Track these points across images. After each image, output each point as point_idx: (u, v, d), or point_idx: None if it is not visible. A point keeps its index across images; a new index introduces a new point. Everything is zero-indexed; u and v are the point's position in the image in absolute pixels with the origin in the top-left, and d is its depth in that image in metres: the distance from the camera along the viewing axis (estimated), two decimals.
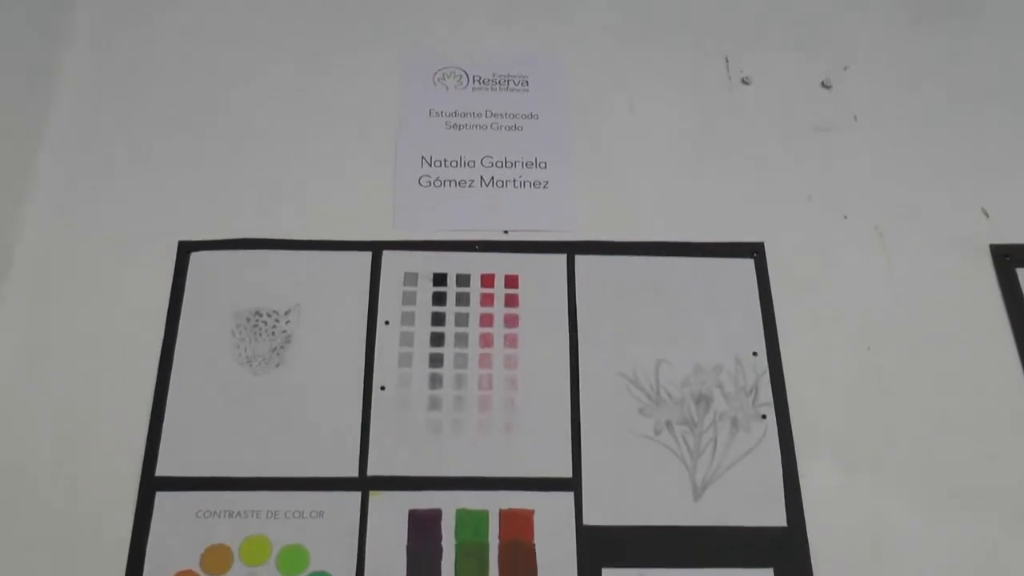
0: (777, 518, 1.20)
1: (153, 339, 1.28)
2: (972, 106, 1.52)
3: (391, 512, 1.18)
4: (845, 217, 1.42)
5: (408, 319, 1.30)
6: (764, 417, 1.26)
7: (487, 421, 1.24)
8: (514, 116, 1.48)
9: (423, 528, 1.18)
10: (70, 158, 1.41)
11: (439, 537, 1.17)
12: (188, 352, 1.27)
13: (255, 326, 1.29)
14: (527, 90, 1.51)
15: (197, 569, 1.16)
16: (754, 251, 1.37)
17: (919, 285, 1.37)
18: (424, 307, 1.31)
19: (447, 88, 1.50)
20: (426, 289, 1.32)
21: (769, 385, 1.28)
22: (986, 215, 1.42)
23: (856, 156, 1.48)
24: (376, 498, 1.19)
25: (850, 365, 1.30)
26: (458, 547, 1.17)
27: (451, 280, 1.33)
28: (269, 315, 1.30)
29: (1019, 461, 1.25)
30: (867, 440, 1.25)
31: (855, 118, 1.51)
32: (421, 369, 1.27)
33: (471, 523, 1.18)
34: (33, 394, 1.25)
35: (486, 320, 1.30)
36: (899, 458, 1.25)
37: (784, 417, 1.26)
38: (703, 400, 1.27)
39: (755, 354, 1.30)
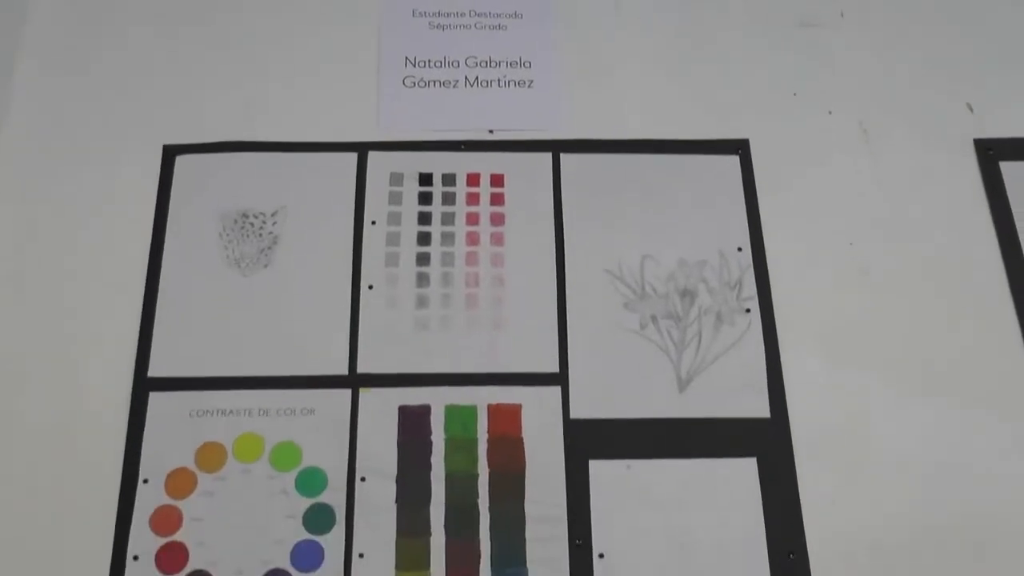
0: (760, 409, 1.21)
1: (141, 243, 1.27)
2: (958, 1, 1.49)
3: (381, 408, 1.19)
4: (830, 113, 1.40)
5: (394, 219, 1.29)
6: (748, 311, 1.26)
7: (475, 318, 1.24)
8: (498, 15, 1.45)
9: (413, 424, 1.19)
10: (51, 63, 1.39)
11: (429, 432, 1.18)
12: (176, 255, 1.27)
13: (242, 228, 1.28)
14: None
15: (192, 467, 1.16)
16: (739, 148, 1.36)
17: (903, 180, 1.36)
18: (410, 207, 1.30)
19: None
20: (412, 189, 1.31)
21: (753, 279, 1.28)
22: (970, 110, 1.41)
23: (842, 52, 1.45)
24: (366, 395, 1.20)
25: (833, 259, 1.30)
26: (447, 441, 1.18)
27: (437, 180, 1.32)
28: (256, 217, 1.29)
29: (996, 350, 1.26)
30: (849, 333, 1.26)
31: (841, 14, 1.48)
32: (408, 268, 1.27)
33: (460, 418, 1.19)
34: (24, 300, 1.24)
35: (472, 219, 1.30)
36: (880, 350, 1.25)
37: (768, 311, 1.26)
38: (688, 295, 1.26)
39: (739, 249, 1.29)
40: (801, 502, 1.17)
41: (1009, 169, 1.35)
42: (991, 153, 1.37)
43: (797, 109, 1.41)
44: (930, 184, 1.36)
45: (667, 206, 1.31)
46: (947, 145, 1.38)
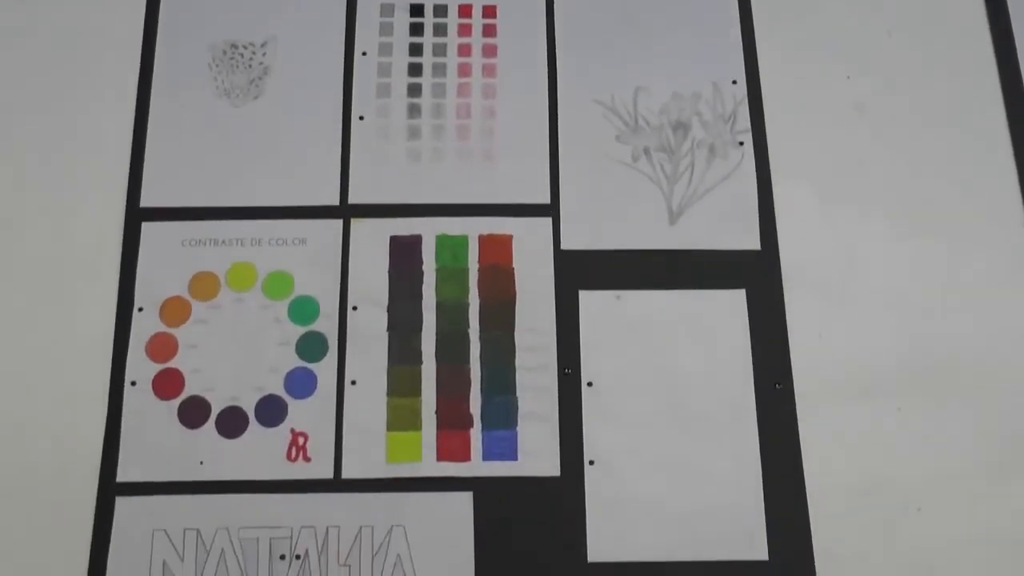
0: (751, 241, 1.18)
1: (130, 74, 1.24)
2: None
3: (372, 238, 1.17)
4: None
5: (385, 50, 1.25)
6: (741, 144, 1.22)
7: (466, 149, 1.21)
8: None
9: (404, 253, 1.16)
10: None
11: (420, 261, 1.16)
12: (166, 86, 1.23)
13: (232, 59, 1.24)
14: None
15: (186, 295, 1.15)
16: None
17: (903, 13, 1.30)
18: (401, 38, 1.25)
19: None
20: (403, 20, 1.26)
21: (747, 113, 1.24)
22: None
23: None
24: (358, 225, 1.17)
25: (829, 93, 1.26)
26: (438, 271, 1.16)
27: (428, 11, 1.27)
28: (245, 47, 1.24)
29: (989, 187, 1.22)
30: (842, 167, 1.22)
31: None
32: (399, 99, 1.23)
33: (451, 247, 1.17)
34: (13, 135, 1.21)
35: (464, 50, 1.25)
36: (872, 185, 1.22)
37: (761, 144, 1.22)
38: (681, 127, 1.22)
39: (734, 82, 1.25)
40: (788, 334, 1.15)
41: (1016, 2, 1.29)
42: None
43: None
44: (932, 17, 1.30)
45: (661, 38, 1.26)
46: None
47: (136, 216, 1.17)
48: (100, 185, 1.19)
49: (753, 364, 1.14)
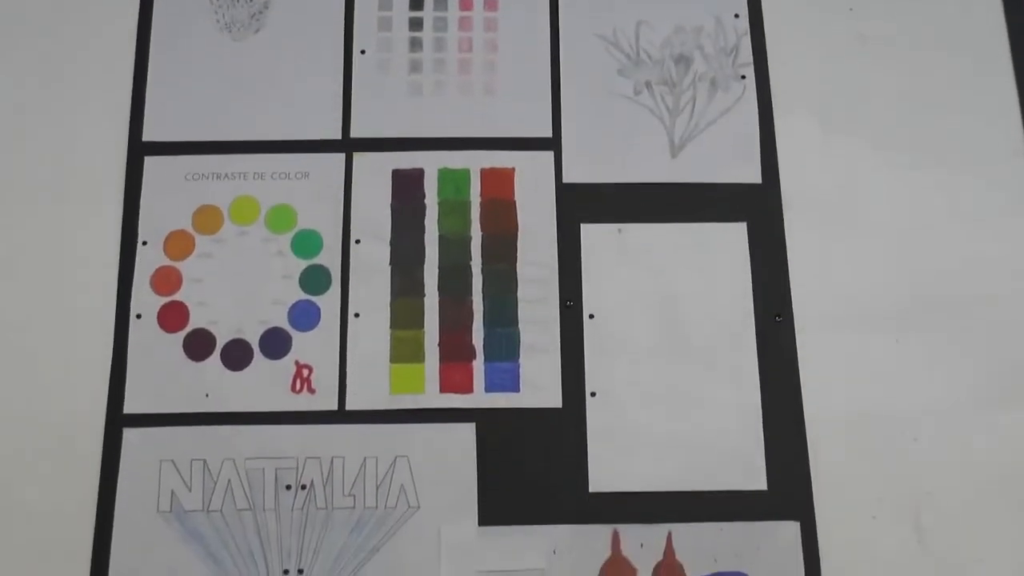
0: (752, 175, 1.17)
1: (131, 8, 1.22)
2: None
3: (375, 172, 1.16)
4: None
5: None
6: (743, 77, 1.20)
7: (468, 83, 1.19)
8: None
9: (406, 186, 1.15)
10: None
11: (422, 195, 1.15)
12: (166, 21, 1.21)
13: None
14: None
15: (190, 229, 1.14)
16: None
17: None
18: None
19: None
20: None
21: (750, 46, 1.22)
22: None
23: None
24: (360, 158, 1.16)
25: (831, 26, 1.24)
26: (440, 204, 1.15)
27: None
28: None
29: (990, 120, 1.21)
30: (844, 100, 1.21)
31: None
32: (401, 33, 1.21)
33: (453, 181, 1.16)
34: (14, 70, 1.20)
35: None
36: (874, 118, 1.20)
37: (763, 77, 1.21)
38: (683, 61, 1.20)
39: (737, 16, 1.23)
40: (789, 267, 1.14)
41: None
42: None
43: None
44: None
45: None
46: None
47: (139, 150, 1.16)
48: (102, 119, 1.18)
49: (753, 296, 1.13)
